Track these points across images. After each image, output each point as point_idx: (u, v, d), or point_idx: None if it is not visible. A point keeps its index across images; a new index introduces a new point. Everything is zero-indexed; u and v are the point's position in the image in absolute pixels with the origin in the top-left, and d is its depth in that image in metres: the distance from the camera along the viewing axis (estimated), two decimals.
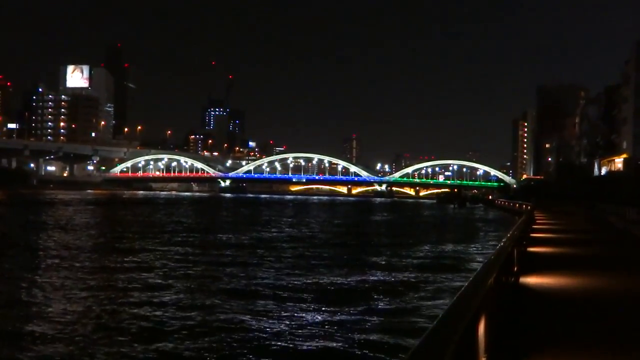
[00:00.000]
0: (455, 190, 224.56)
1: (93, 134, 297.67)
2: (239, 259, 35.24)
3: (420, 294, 24.76)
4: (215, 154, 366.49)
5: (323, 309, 21.29)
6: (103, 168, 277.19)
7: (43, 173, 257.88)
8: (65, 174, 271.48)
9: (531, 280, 14.32)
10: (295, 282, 26.99)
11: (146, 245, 41.30)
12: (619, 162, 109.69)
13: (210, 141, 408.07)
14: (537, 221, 47.76)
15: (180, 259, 34.80)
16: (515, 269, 14.53)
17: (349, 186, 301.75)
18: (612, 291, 13.24)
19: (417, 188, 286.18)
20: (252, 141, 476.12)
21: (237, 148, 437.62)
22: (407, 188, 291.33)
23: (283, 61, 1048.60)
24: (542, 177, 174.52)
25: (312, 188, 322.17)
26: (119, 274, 28.34)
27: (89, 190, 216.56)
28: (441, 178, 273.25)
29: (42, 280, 26.36)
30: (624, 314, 10.62)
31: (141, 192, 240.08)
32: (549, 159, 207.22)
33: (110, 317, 19.40)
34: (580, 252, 22.97)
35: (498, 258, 9.57)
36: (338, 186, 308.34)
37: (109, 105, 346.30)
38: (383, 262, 35.08)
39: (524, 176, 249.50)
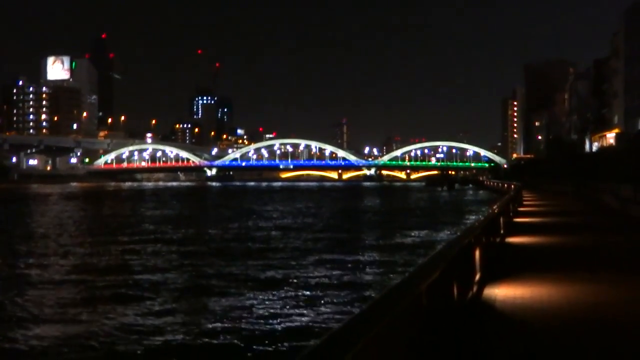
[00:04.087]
0: (444, 172, 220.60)
1: (75, 126, 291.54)
2: (228, 253, 31.91)
3: None
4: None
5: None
6: (87, 160, 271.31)
7: (25, 167, 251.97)
8: (48, 168, 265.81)
9: (505, 297, 10.17)
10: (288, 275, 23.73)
11: (130, 244, 36.27)
12: (610, 137, 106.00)
13: (197, 130, 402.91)
14: (524, 202, 43.88)
15: (166, 259, 30.60)
16: (478, 278, 10.53)
17: (340, 171, 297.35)
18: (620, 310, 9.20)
19: (408, 171, 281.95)
20: (241, 129, 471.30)
21: (226, 136, 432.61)
22: (397, 171, 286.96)
23: (271, 48, 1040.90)
24: (533, 156, 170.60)
25: (302, 174, 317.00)
26: (102, 277, 24.31)
27: (73, 184, 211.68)
28: (433, 160, 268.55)
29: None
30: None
31: (127, 183, 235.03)
32: (539, 137, 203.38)
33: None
34: (575, 242, 18.78)
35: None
36: (328, 171, 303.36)
37: (93, 97, 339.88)
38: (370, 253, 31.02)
39: (515, 155, 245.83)
